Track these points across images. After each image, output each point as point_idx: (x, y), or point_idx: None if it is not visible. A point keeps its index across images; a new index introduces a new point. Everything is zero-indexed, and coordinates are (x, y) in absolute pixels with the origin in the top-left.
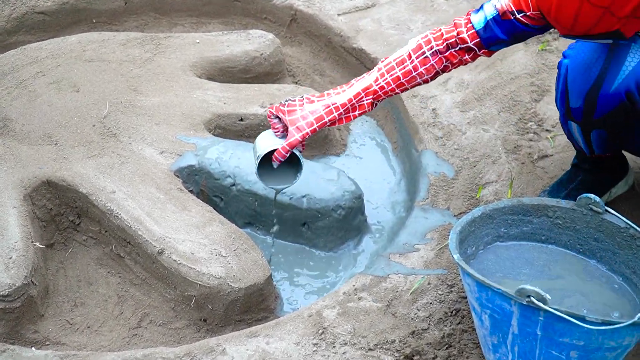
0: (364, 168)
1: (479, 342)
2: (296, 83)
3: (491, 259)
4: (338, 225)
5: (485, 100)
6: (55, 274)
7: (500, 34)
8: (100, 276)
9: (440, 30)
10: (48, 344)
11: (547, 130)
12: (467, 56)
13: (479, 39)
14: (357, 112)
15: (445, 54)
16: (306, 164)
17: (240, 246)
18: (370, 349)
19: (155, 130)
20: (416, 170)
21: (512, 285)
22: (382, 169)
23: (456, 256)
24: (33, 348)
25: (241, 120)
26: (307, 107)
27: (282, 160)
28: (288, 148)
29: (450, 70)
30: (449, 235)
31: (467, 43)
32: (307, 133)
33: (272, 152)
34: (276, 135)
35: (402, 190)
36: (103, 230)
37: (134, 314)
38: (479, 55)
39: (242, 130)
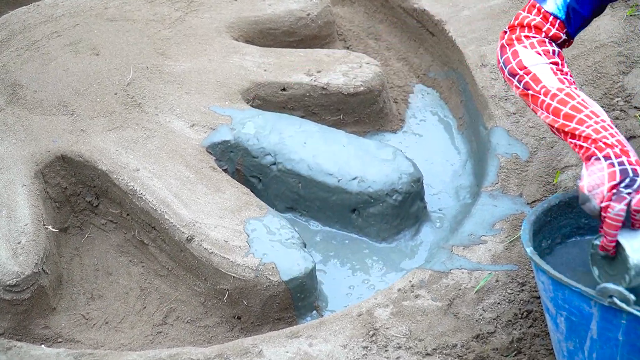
0: (424, 147)
1: (552, 348)
2: (347, 48)
3: (570, 255)
4: (393, 212)
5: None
6: (70, 261)
7: (584, 10)
8: (120, 265)
9: (543, 42)
10: (60, 341)
11: (635, 107)
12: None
13: (566, 28)
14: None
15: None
16: (358, 140)
17: (281, 234)
18: (428, 354)
19: (186, 100)
20: (484, 151)
21: (592, 284)
22: (445, 148)
23: (529, 250)
24: (43, 345)
25: (284, 90)
26: (617, 142)
27: (610, 249)
28: (610, 232)
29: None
30: (521, 225)
31: (561, 37)
32: (615, 186)
33: None
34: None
35: (468, 174)
36: (124, 213)
37: (158, 308)
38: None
39: (284, 101)
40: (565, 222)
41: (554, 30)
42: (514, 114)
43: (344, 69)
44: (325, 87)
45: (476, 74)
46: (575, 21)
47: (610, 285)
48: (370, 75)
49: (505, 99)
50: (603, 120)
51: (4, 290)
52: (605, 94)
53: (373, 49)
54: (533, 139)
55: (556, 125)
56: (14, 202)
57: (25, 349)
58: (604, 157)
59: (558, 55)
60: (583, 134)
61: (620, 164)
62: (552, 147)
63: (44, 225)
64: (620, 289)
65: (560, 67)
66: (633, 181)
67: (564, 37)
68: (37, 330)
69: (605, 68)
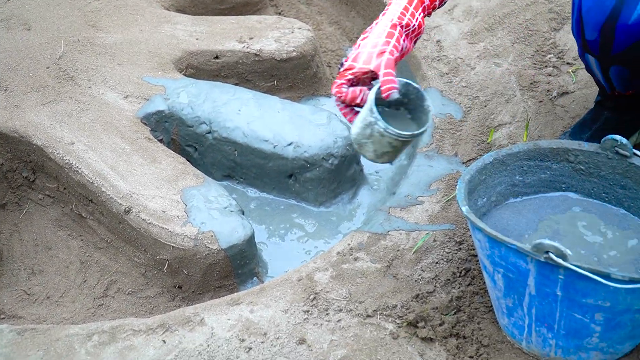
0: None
1: (491, 305)
2: (279, 14)
3: (507, 214)
4: (330, 176)
5: (497, 30)
6: (9, 238)
7: None
8: (60, 239)
9: None
10: (3, 317)
11: (568, 63)
12: None
13: None
14: (416, 31)
15: None
16: (293, 106)
17: (218, 202)
18: (368, 316)
19: (118, 71)
20: None
21: (528, 241)
22: None
23: (465, 208)
24: None
25: (216, 58)
26: (368, 40)
27: (396, 86)
28: (390, 71)
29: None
30: (456, 185)
31: None
32: (392, 49)
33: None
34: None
35: None
36: (61, 187)
37: (99, 281)
38: None
39: (217, 69)
40: (499, 180)
41: None
42: (447, 74)
43: (276, 35)
44: (257, 53)
45: None
46: None
47: (546, 241)
48: (303, 40)
49: (438, 60)
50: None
51: None
52: (537, 51)
53: (305, 13)
54: (466, 98)
55: None
56: None
57: None
58: None
59: None
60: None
61: None
62: (485, 106)
63: None
64: (557, 244)
65: None
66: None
67: None
68: None
69: (537, 25)
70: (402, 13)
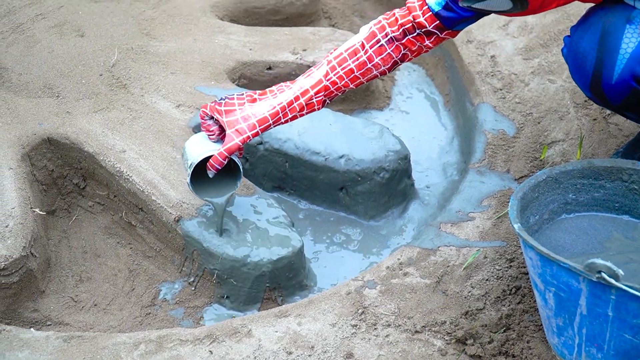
0: (411, 124)
1: (541, 324)
2: (333, 26)
3: (559, 233)
4: (381, 190)
5: (552, 46)
6: (58, 244)
7: (463, 11)
8: (108, 247)
9: (394, 14)
10: (49, 324)
11: None
12: (427, 41)
13: (438, 21)
14: (305, 112)
15: (403, 41)
16: (345, 119)
17: (269, 213)
18: (417, 332)
19: (171, 80)
20: (471, 127)
21: (580, 260)
22: (432, 125)
23: (517, 226)
24: (32, 329)
25: (269, 69)
26: (248, 108)
27: (219, 168)
28: (226, 154)
29: (410, 59)
30: (508, 202)
31: (426, 27)
32: (248, 137)
33: (206, 159)
34: (210, 139)
35: (455, 150)
36: (112, 195)
37: (147, 290)
38: (443, 39)
39: (270, 80)
40: (552, 197)
41: (421, 19)
42: (501, 89)
43: (329, 47)
44: (310, 65)
45: (462, 50)
46: (452, 19)
47: (599, 261)
48: None
49: (492, 75)
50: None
51: None
52: None
53: (358, 26)
54: (520, 114)
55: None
56: (0, 186)
57: (14, 333)
58: None
59: (404, 42)
60: None
61: None
62: (539, 123)
63: (31, 208)
64: (609, 264)
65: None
66: None
67: (430, 28)
68: (26, 313)
69: None
70: (295, 98)
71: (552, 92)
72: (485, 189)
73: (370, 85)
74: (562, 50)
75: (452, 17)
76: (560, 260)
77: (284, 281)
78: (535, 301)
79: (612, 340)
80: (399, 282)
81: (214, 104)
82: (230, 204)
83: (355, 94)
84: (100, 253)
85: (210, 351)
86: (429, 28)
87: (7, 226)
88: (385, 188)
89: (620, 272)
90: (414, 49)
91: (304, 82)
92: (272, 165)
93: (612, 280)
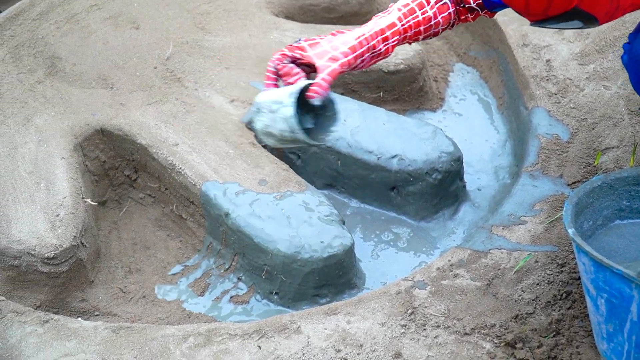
0: (463, 126)
1: (591, 330)
2: None
3: (611, 238)
4: (432, 190)
5: (607, 52)
6: (108, 235)
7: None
8: (158, 239)
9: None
10: (97, 315)
11: None
12: (469, 15)
13: (481, 1)
14: (382, 48)
15: (458, 7)
16: (398, 119)
17: (319, 211)
18: (466, 334)
19: (226, 75)
20: (525, 131)
21: (634, 267)
22: (485, 128)
23: (571, 231)
24: (80, 319)
25: None
26: (334, 39)
27: (325, 93)
28: (329, 78)
29: (451, 28)
30: (561, 206)
31: (470, 4)
32: (343, 63)
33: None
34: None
35: (508, 154)
36: (163, 187)
37: (196, 283)
38: (481, 15)
39: None
40: (606, 204)
41: None
42: (555, 94)
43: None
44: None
45: (517, 53)
46: (491, 3)
47: None
48: (411, 53)
49: (547, 79)
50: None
51: (42, 263)
52: None
53: None
54: (574, 119)
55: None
56: (52, 175)
57: (63, 322)
58: None
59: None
60: None
61: None
62: (593, 129)
63: (83, 198)
64: None
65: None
66: None
67: (473, 4)
68: (75, 303)
69: None
70: (375, 33)
71: (607, 98)
72: (538, 193)
73: (424, 86)
74: (622, 57)
75: (495, 2)
76: (613, 266)
77: (333, 279)
78: (585, 307)
79: None
80: (449, 284)
81: (289, 46)
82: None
83: (409, 94)
84: (150, 245)
85: (259, 346)
86: (472, 5)
87: (58, 215)
88: (437, 189)
89: None
90: (462, 17)
91: (380, 22)
92: (324, 162)
93: None
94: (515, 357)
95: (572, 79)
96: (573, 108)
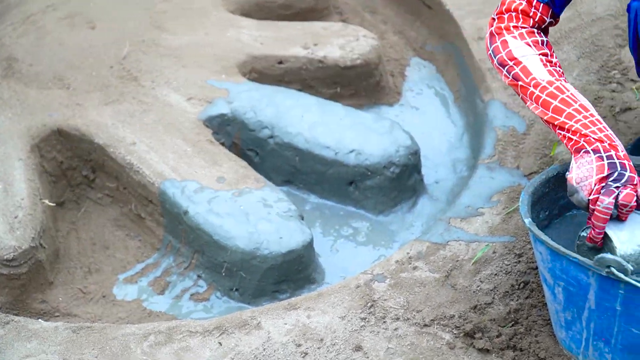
0: (421, 120)
1: (549, 319)
2: (344, 21)
3: (567, 227)
4: (390, 184)
5: (562, 44)
6: (67, 236)
7: None
8: (117, 239)
9: (517, 27)
10: (58, 315)
11: (632, 80)
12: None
13: (551, 9)
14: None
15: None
16: (355, 113)
17: (278, 207)
18: (425, 325)
19: (182, 73)
20: (481, 124)
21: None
22: (442, 121)
23: (527, 220)
24: (40, 320)
25: (280, 63)
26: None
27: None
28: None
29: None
30: (518, 197)
31: (546, 21)
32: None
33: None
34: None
35: (465, 146)
36: (121, 187)
37: (156, 282)
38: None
39: (281, 74)
40: (562, 193)
41: (539, 14)
42: None
43: (340, 42)
44: (322, 60)
45: (473, 46)
46: (558, 1)
47: (608, 256)
48: (367, 49)
49: None
50: (592, 115)
51: (1, 265)
52: (602, 66)
53: (369, 22)
54: (530, 112)
55: (545, 118)
56: (10, 176)
57: (23, 323)
58: (592, 150)
59: (547, 45)
60: (572, 128)
61: (609, 157)
62: None
63: (41, 199)
64: (619, 259)
65: (549, 58)
66: (621, 175)
67: (549, 20)
68: (35, 304)
69: (602, 41)
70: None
71: None
72: (495, 185)
73: (380, 81)
74: (628, 4)
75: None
76: (570, 254)
77: (293, 274)
78: (543, 296)
79: (620, 335)
80: (408, 276)
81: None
82: None
83: (366, 89)
84: (109, 245)
85: (220, 343)
86: (548, 20)
87: (16, 217)
88: (395, 183)
89: (630, 266)
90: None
91: (581, 97)
92: (282, 159)
93: (622, 275)
94: (474, 347)
95: None
96: None
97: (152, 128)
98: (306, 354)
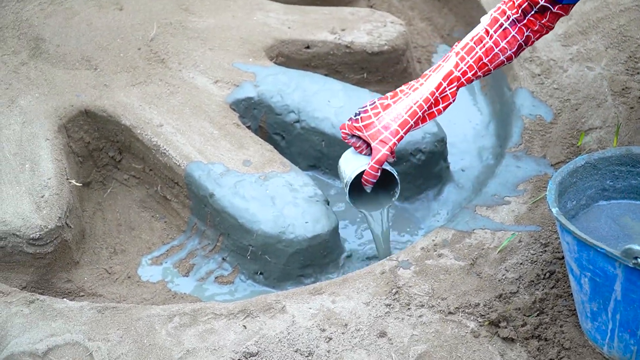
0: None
1: (574, 309)
2: (371, 7)
3: (594, 217)
4: (416, 171)
5: (590, 33)
6: (92, 216)
7: None
8: (143, 220)
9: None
10: (83, 295)
11: None
12: (544, 20)
13: None
14: (441, 106)
15: (524, 22)
16: None
17: (304, 191)
18: (450, 313)
19: (209, 56)
20: (508, 112)
21: (617, 246)
22: (469, 109)
23: (555, 210)
24: (65, 299)
25: (307, 47)
26: (385, 116)
27: (374, 181)
28: (377, 167)
29: (533, 42)
30: (544, 187)
31: (539, 2)
32: (394, 144)
33: (360, 174)
34: (360, 153)
35: (491, 135)
36: (147, 168)
37: (181, 263)
38: (557, 15)
39: (308, 59)
40: (590, 183)
41: None
42: (539, 75)
43: (368, 28)
44: (349, 45)
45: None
46: None
47: (636, 247)
48: (395, 35)
49: (530, 60)
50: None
51: (28, 244)
52: (630, 56)
53: (397, 8)
54: (557, 100)
55: None
56: (37, 156)
57: (48, 303)
58: None
59: (525, 22)
60: None
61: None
62: (576, 109)
63: (67, 179)
64: None
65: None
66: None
67: (542, 2)
68: (60, 284)
69: (631, 31)
70: (431, 94)
71: (590, 79)
72: (522, 174)
73: (407, 67)
74: None
75: None
76: (597, 245)
77: (318, 259)
78: (569, 286)
79: None
80: (434, 263)
81: (350, 122)
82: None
83: (392, 76)
84: (135, 226)
85: (244, 326)
86: (542, 3)
87: (42, 196)
88: (421, 170)
89: None
90: (535, 29)
91: (435, 76)
92: (308, 143)
93: None
94: (499, 335)
95: (555, 60)
96: (556, 89)
97: (179, 110)
98: (330, 338)
